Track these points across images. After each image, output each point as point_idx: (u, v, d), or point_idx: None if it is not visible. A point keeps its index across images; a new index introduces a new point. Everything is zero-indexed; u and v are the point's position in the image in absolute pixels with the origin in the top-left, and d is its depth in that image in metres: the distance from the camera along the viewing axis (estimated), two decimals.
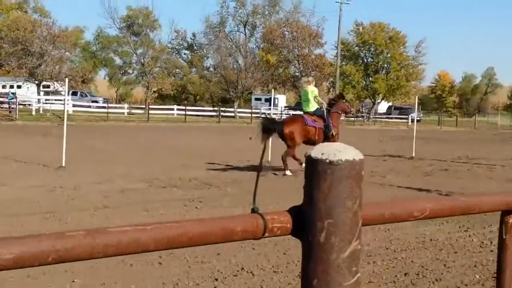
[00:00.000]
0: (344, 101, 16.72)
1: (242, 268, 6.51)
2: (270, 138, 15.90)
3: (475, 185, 14.07)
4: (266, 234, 1.50)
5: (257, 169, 7.33)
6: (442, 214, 1.79)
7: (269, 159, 17.20)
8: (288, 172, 15.03)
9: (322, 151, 1.44)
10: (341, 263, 1.42)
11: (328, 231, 1.42)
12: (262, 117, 20.19)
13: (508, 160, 21.09)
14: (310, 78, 17.41)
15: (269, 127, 15.41)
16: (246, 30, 79.95)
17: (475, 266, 6.85)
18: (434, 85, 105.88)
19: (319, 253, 1.43)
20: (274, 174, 15.14)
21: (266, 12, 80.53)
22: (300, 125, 15.51)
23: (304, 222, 1.48)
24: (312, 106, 15.96)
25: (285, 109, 70.05)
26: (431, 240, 8.14)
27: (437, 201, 1.81)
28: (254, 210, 1.51)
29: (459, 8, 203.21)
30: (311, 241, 1.45)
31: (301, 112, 16.69)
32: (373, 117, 70.21)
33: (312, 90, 16.08)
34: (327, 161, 1.43)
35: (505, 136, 41.12)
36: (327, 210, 1.42)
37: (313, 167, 1.46)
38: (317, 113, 15.86)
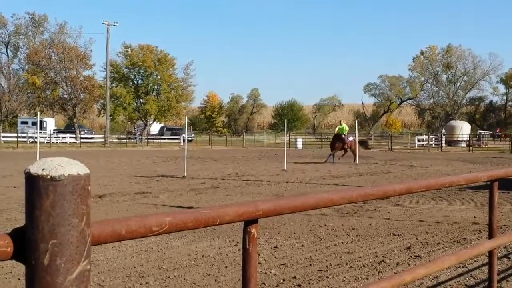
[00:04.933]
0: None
1: None
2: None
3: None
4: None
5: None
6: (185, 227, 1.77)
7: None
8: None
9: (43, 166, 1.35)
10: (69, 286, 1.33)
11: (53, 252, 1.33)
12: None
13: (273, 176, 22.35)
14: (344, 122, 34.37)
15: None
16: (8, 51, 76.23)
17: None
18: (203, 106, 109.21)
19: (44, 277, 1.33)
20: None
21: (30, 33, 77.50)
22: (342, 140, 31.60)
23: (26, 244, 1.37)
24: (346, 132, 32.34)
25: (54, 132, 67.38)
26: (202, 256, 8.28)
27: (176, 214, 1.78)
28: None
29: (225, 32, 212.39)
30: (34, 264, 1.34)
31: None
32: (146, 138, 70.41)
33: (345, 126, 32.49)
34: (48, 177, 1.34)
35: (270, 154, 43.48)
36: (51, 230, 1.33)
37: (33, 184, 1.36)
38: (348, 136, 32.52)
